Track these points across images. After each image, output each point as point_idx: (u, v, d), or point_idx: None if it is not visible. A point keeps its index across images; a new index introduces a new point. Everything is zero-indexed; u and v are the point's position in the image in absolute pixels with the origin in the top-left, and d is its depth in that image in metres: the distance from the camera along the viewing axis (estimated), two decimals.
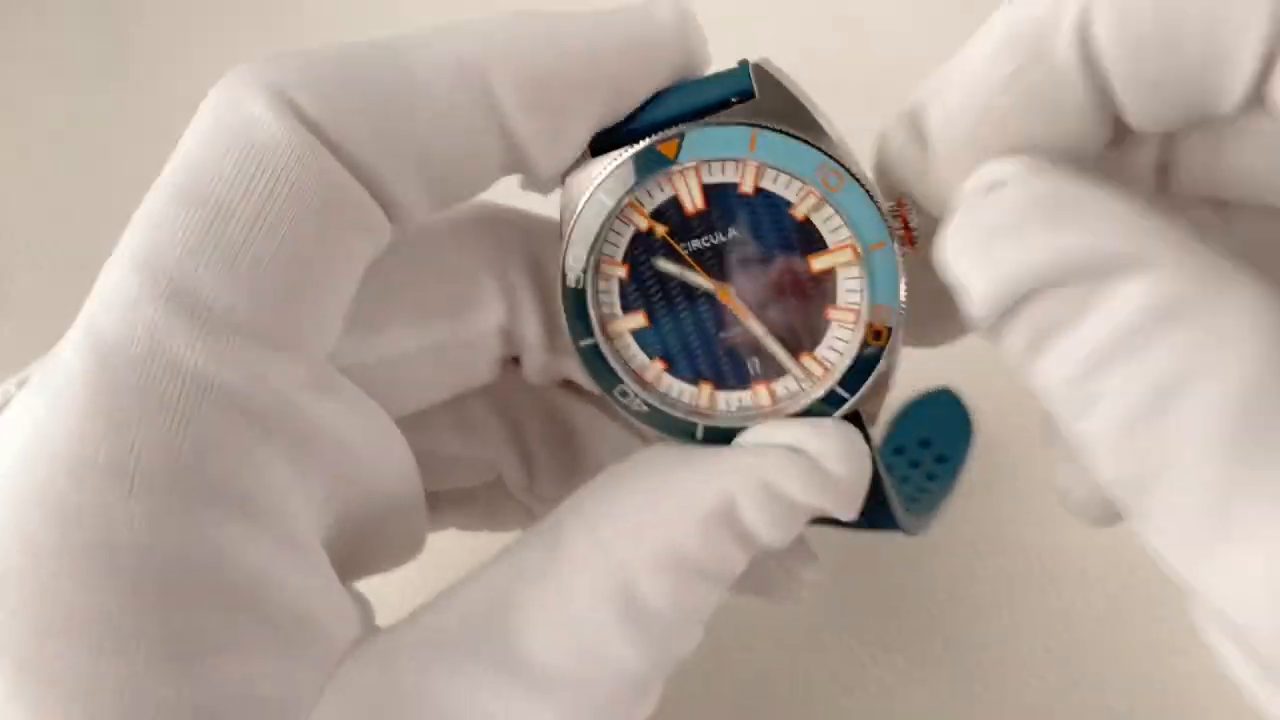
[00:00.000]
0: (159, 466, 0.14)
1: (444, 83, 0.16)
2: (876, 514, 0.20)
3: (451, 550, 0.23)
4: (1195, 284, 0.13)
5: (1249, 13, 0.14)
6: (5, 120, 0.40)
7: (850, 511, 0.17)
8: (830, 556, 0.29)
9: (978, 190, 0.16)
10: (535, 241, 0.20)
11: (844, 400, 0.18)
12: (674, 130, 0.17)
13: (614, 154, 0.17)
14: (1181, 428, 0.13)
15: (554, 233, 0.19)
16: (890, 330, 0.17)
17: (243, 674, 0.15)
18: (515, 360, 0.21)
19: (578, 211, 0.17)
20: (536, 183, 0.18)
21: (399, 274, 0.18)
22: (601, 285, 0.18)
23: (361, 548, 0.19)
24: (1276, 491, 0.13)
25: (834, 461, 0.17)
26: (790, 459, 0.17)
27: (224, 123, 0.16)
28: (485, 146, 0.17)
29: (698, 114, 0.17)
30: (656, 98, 0.17)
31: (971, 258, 0.15)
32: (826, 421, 0.18)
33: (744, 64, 0.17)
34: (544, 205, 0.20)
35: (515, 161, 0.17)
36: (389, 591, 0.20)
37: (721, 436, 0.18)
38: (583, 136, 0.17)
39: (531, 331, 0.20)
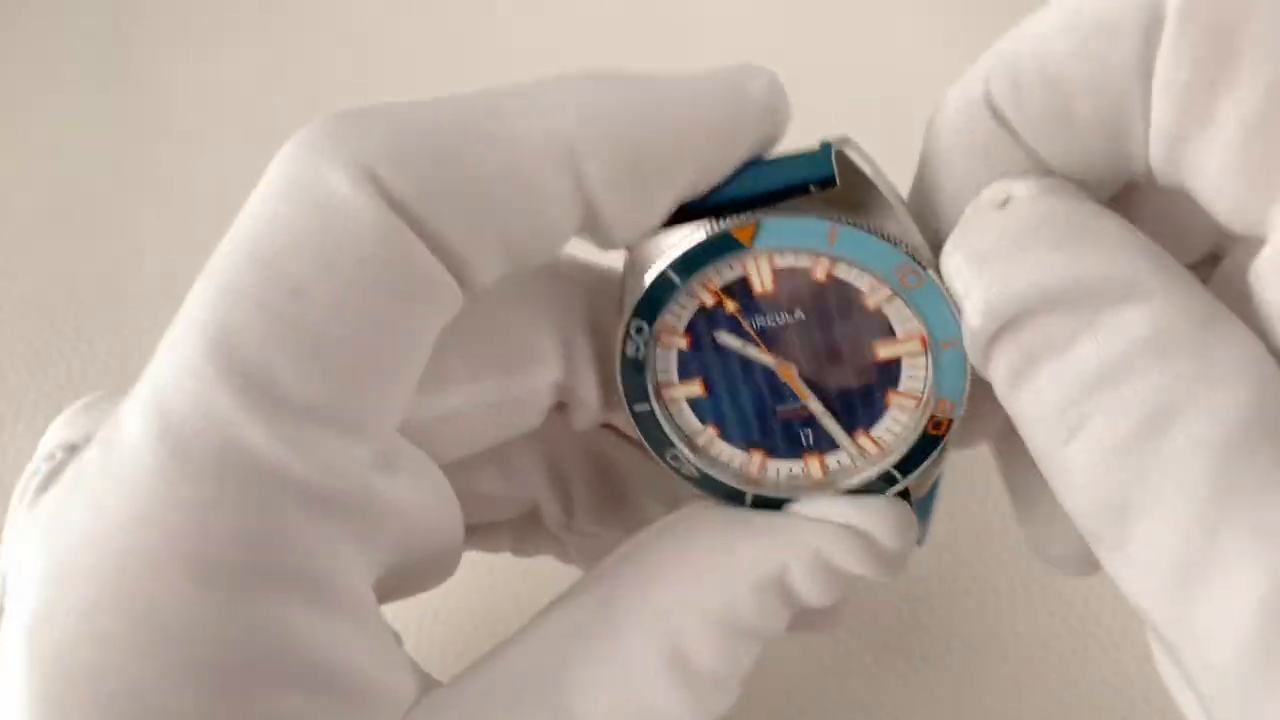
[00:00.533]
0: (232, 558, 0.14)
1: (535, 160, 0.15)
2: None
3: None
4: (1192, 319, 0.14)
5: (1125, 85, 0.14)
6: (10, 124, 0.40)
7: (893, 577, 0.18)
8: None
9: (989, 204, 0.16)
10: (595, 296, 0.20)
11: (896, 480, 0.18)
12: (751, 216, 0.16)
13: (687, 229, 0.17)
14: (1167, 460, 0.13)
15: (614, 286, 0.19)
16: (951, 422, 0.17)
17: None
18: (560, 405, 0.21)
19: (646, 285, 0.17)
20: (603, 243, 0.18)
21: (458, 330, 0.17)
22: (659, 352, 0.18)
23: (399, 587, 0.19)
24: (1255, 530, 0.13)
25: (888, 540, 0.18)
26: (846, 535, 0.17)
27: (304, 195, 0.15)
28: (567, 219, 0.16)
29: (775, 196, 0.17)
30: (734, 178, 0.17)
31: (976, 268, 0.15)
32: (879, 499, 0.18)
33: (826, 147, 0.16)
34: (604, 254, 0.20)
35: (592, 231, 0.17)
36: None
37: (769, 504, 0.18)
38: (665, 210, 0.17)
39: (587, 389, 0.19)
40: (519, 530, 0.24)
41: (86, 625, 0.14)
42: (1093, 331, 0.14)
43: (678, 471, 0.18)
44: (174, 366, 0.15)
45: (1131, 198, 0.17)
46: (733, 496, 0.18)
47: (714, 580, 0.17)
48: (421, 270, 0.15)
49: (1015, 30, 0.16)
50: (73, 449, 0.16)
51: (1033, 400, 0.15)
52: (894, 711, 0.27)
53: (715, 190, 0.17)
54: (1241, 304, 0.15)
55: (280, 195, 0.15)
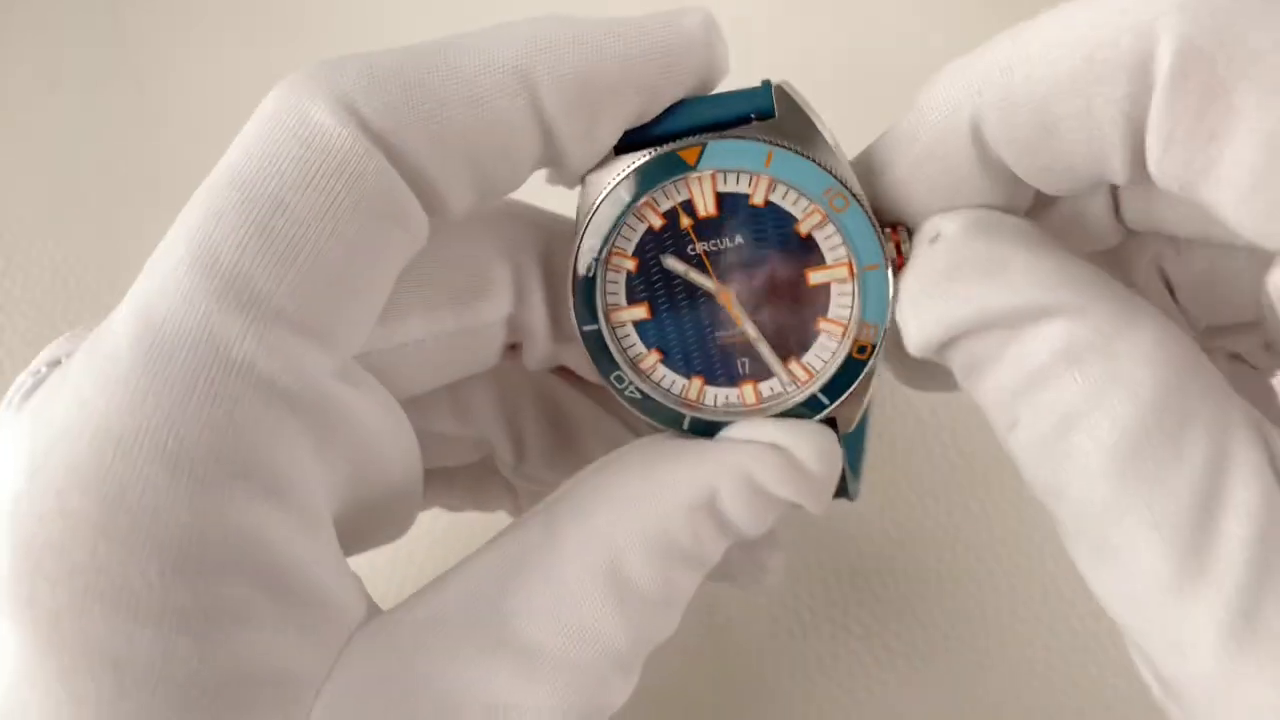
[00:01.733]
0: (202, 448, 0.15)
1: (494, 86, 0.17)
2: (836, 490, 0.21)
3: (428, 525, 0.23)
4: (1100, 330, 0.16)
5: (1107, 113, 0.15)
6: (10, 124, 0.40)
7: (820, 507, 0.19)
8: (833, 557, 0.29)
9: (921, 241, 0.18)
10: (547, 235, 0.21)
11: (824, 405, 0.19)
12: (697, 139, 0.18)
13: (637, 154, 0.18)
14: (1076, 455, 0.16)
15: (566, 229, 0.20)
16: (874, 346, 0.19)
17: (264, 648, 0.16)
18: (514, 346, 0.22)
19: (596, 203, 0.18)
20: (564, 178, 0.19)
21: (415, 262, 0.18)
22: (610, 276, 0.19)
23: (360, 529, 0.19)
24: (1150, 517, 0.15)
25: (811, 460, 0.19)
26: (771, 454, 0.19)
27: (287, 124, 0.16)
28: (527, 144, 0.17)
29: (719, 126, 0.18)
30: (680, 106, 0.18)
31: (909, 306, 0.18)
32: (805, 423, 0.19)
33: (767, 84, 0.18)
34: (557, 204, 0.21)
35: (550, 158, 0.18)
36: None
37: (706, 429, 0.20)
38: (613, 135, 0.18)
39: (538, 321, 0.20)
40: (474, 479, 0.25)
41: (58, 503, 0.15)
42: (1015, 346, 0.16)
43: (621, 393, 0.20)
44: (159, 275, 0.16)
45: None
46: (672, 420, 0.20)
47: (648, 503, 0.18)
48: (395, 195, 0.16)
49: (1008, 44, 0.16)
50: (57, 363, 0.17)
51: (981, 397, 0.17)
52: (894, 711, 0.27)
53: (662, 122, 0.18)
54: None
55: (263, 129, 0.16)
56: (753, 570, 0.23)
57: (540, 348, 0.21)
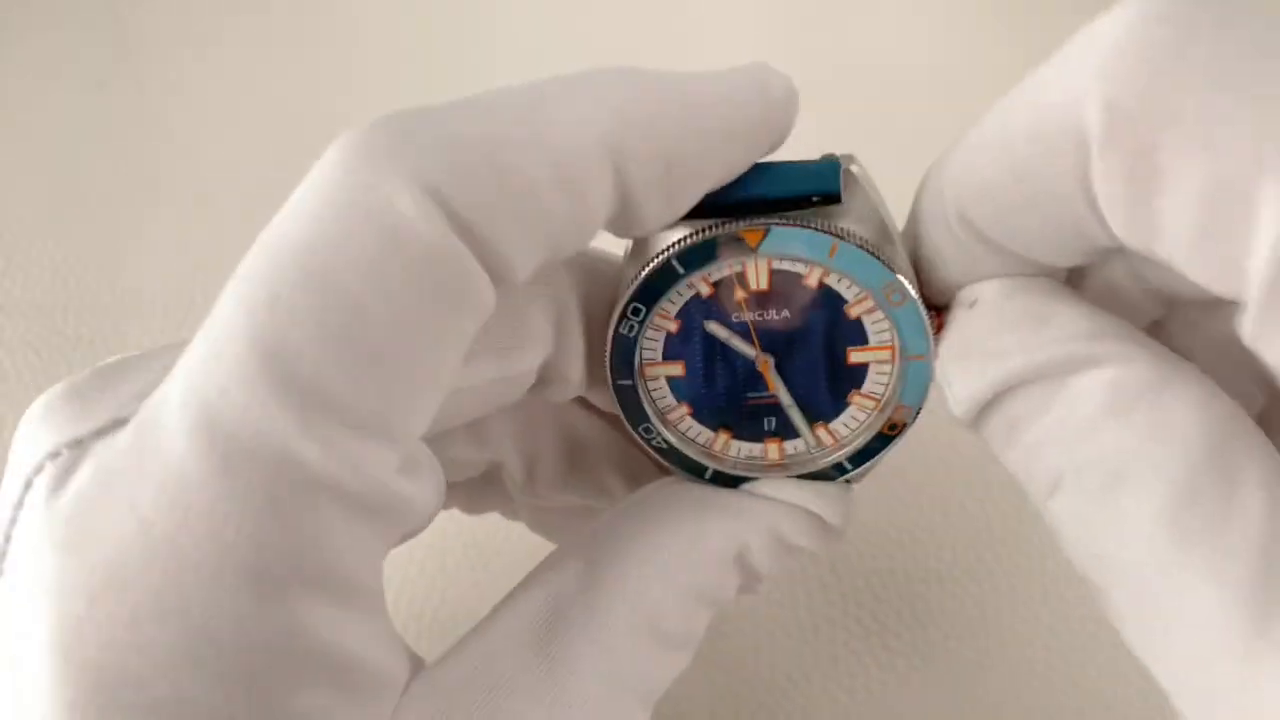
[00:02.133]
0: (281, 568, 0.14)
1: (583, 164, 0.16)
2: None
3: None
4: (1143, 380, 0.15)
5: (1065, 186, 0.15)
6: (10, 124, 0.40)
7: (830, 550, 0.20)
8: (832, 557, 0.29)
9: (959, 306, 0.18)
10: (588, 274, 0.20)
11: (845, 470, 0.20)
12: (762, 221, 0.17)
13: (696, 225, 0.17)
14: (1128, 512, 0.15)
15: (605, 265, 0.20)
16: (905, 425, 0.19)
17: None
18: (540, 379, 0.21)
19: (647, 270, 0.18)
20: (625, 235, 0.18)
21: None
22: (649, 334, 0.19)
23: None
24: (1212, 575, 0.14)
25: (835, 518, 0.20)
26: (800, 515, 0.19)
27: (364, 207, 0.15)
28: (604, 216, 0.17)
29: (782, 203, 0.17)
30: (745, 178, 0.18)
31: (954, 365, 0.18)
32: (827, 485, 0.20)
33: (833, 163, 0.18)
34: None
35: (622, 225, 0.17)
36: None
37: (726, 480, 0.20)
38: (690, 205, 0.17)
39: (573, 368, 0.20)
40: (474, 489, 0.25)
41: (130, 635, 0.14)
42: (1060, 397, 0.16)
43: (648, 442, 0.20)
44: (222, 376, 0.14)
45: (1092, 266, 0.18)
46: (695, 470, 0.20)
47: (684, 559, 0.19)
48: (475, 284, 0.15)
49: (959, 147, 0.17)
50: (79, 444, 0.16)
51: (1019, 461, 0.17)
52: (894, 711, 0.27)
53: (721, 190, 0.17)
54: (1208, 350, 0.16)
55: (336, 208, 0.15)
56: (754, 587, 0.23)
57: (570, 390, 0.21)
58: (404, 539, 0.18)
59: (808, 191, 0.17)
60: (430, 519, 0.18)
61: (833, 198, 0.17)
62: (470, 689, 0.17)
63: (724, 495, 0.20)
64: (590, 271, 0.20)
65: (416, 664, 0.18)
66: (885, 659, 0.28)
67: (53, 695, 0.14)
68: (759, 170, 0.18)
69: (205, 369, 0.15)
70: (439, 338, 0.15)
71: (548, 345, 0.19)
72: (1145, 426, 0.15)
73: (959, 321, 0.18)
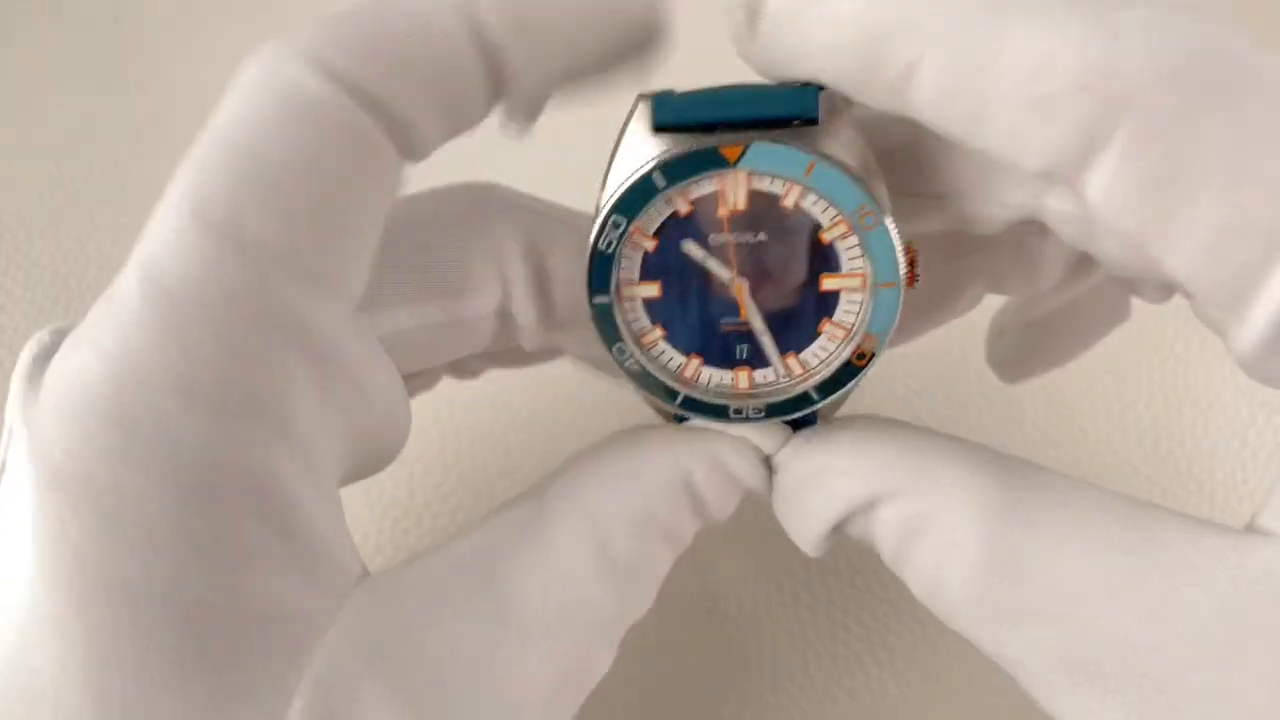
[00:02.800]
0: (214, 384, 0.16)
1: (439, 14, 0.18)
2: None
3: None
4: (919, 502, 0.18)
5: (1048, 142, 0.16)
6: (10, 124, 0.40)
7: (770, 495, 0.21)
8: (833, 557, 0.29)
9: (775, 475, 0.21)
10: (534, 223, 0.21)
11: (813, 401, 0.20)
12: (741, 136, 0.18)
13: (677, 139, 0.18)
14: (947, 608, 0.19)
15: (551, 214, 0.21)
16: (873, 355, 0.19)
17: (272, 587, 0.16)
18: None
19: (627, 184, 0.18)
20: (517, 114, 0.19)
21: (402, 253, 0.19)
22: (627, 252, 0.19)
23: (350, 473, 0.20)
24: (1018, 648, 0.18)
25: (771, 449, 0.21)
26: (741, 444, 0.21)
27: (260, 81, 0.18)
28: (476, 74, 0.18)
29: (762, 123, 0.18)
30: (722, 93, 0.18)
31: (785, 523, 0.21)
32: (770, 424, 0.21)
33: (814, 89, 0.18)
34: (544, 191, 0.22)
35: (499, 86, 0.19)
36: None
37: (697, 407, 0.20)
38: (560, 71, 0.19)
39: (526, 315, 0.21)
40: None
41: (82, 437, 0.16)
42: (876, 530, 0.19)
43: (621, 364, 0.20)
44: (160, 234, 0.17)
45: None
46: (666, 395, 0.20)
47: (632, 483, 0.20)
48: (367, 136, 0.17)
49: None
50: (61, 333, 0.18)
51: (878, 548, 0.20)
52: (894, 711, 0.27)
53: (703, 107, 0.18)
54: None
55: (241, 91, 0.18)
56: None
57: (531, 337, 0.22)
58: (360, 429, 0.19)
59: (786, 114, 0.18)
60: (394, 419, 0.20)
61: (811, 120, 0.18)
62: (414, 602, 0.18)
63: (668, 429, 0.21)
64: (539, 216, 0.21)
65: (365, 571, 0.19)
66: (885, 659, 0.28)
67: (30, 501, 0.16)
68: (738, 92, 0.18)
69: (151, 233, 0.17)
70: (343, 181, 0.17)
71: (496, 293, 0.21)
72: (934, 546, 0.18)
73: (774, 487, 0.21)
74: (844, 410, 0.22)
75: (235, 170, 0.17)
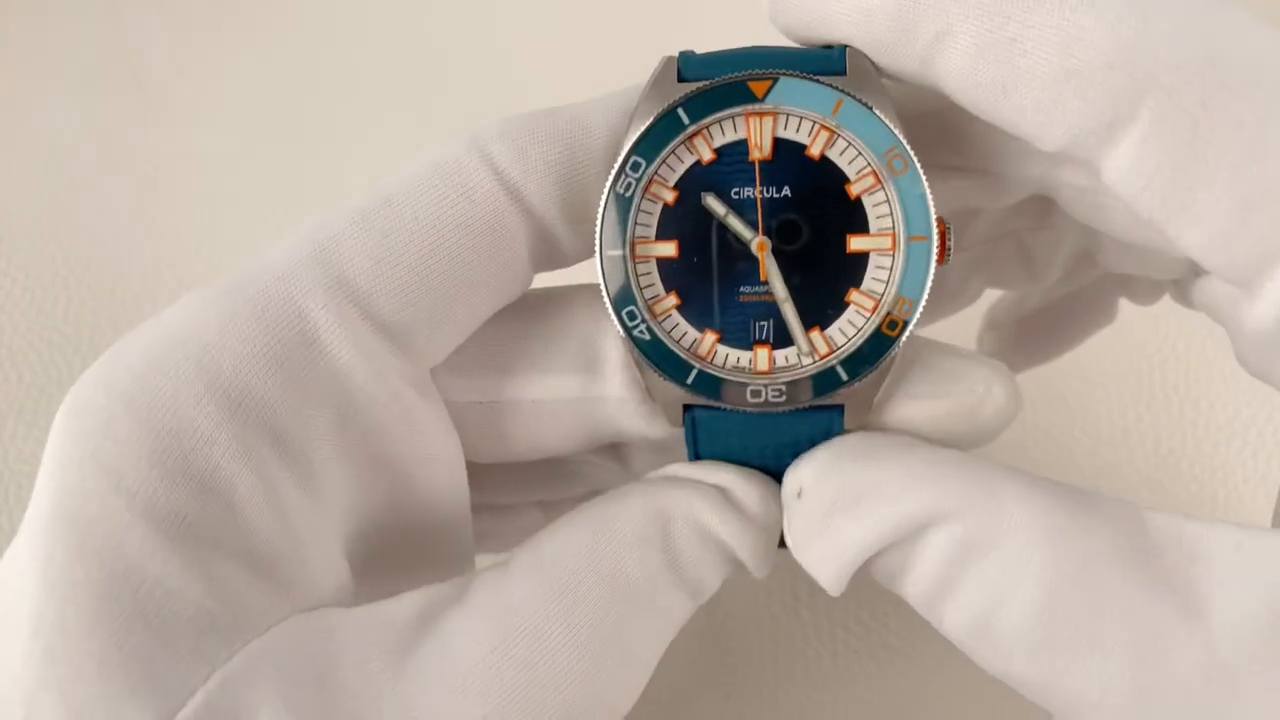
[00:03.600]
0: (242, 380, 0.17)
1: (602, 127, 0.18)
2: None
3: None
4: (979, 526, 0.16)
5: (1071, 118, 0.16)
6: (10, 124, 0.40)
7: (760, 560, 0.19)
8: None
9: (789, 499, 0.19)
10: None
11: (840, 381, 0.18)
12: (769, 72, 0.18)
13: (703, 82, 0.18)
14: (1001, 647, 0.17)
15: None
16: (906, 324, 0.18)
17: (222, 572, 0.16)
18: None
19: (654, 120, 0.18)
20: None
21: (545, 329, 0.20)
22: (646, 204, 0.18)
23: (403, 550, 0.20)
24: (1094, 687, 0.16)
25: (752, 502, 0.19)
26: (716, 496, 0.18)
27: (432, 160, 0.18)
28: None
29: (790, 69, 0.18)
30: (749, 51, 0.18)
31: (803, 553, 0.18)
32: (751, 470, 0.19)
33: (840, 48, 0.18)
34: None
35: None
36: None
37: (711, 385, 0.19)
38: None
39: (624, 409, 0.20)
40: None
41: (105, 397, 0.16)
42: (913, 561, 0.17)
43: (629, 332, 0.18)
44: (277, 254, 0.18)
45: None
46: (678, 369, 0.18)
47: (600, 534, 0.18)
48: (503, 224, 0.18)
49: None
50: None
51: (908, 599, 0.18)
52: (894, 710, 0.27)
53: (727, 64, 0.18)
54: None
55: (415, 165, 0.18)
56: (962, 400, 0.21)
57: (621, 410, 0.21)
58: (395, 482, 0.18)
59: (814, 68, 0.18)
60: (436, 476, 0.19)
61: (838, 72, 0.18)
62: (362, 637, 0.17)
63: (638, 484, 0.19)
64: None
65: (346, 599, 0.18)
66: (885, 658, 0.28)
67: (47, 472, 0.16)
68: (765, 51, 0.18)
69: (265, 252, 0.18)
70: (464, 262, 0.18)
71: (621, 380, 0.20)
72: (994, 572, 0.16)
73: (793, 514, 0.18)
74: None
75: (362, 208, 0.18)
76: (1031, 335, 0.26)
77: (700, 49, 0.19)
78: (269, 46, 0.42)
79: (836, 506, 0.18)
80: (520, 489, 0.24)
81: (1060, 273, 0.24)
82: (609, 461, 0.24)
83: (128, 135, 0.39)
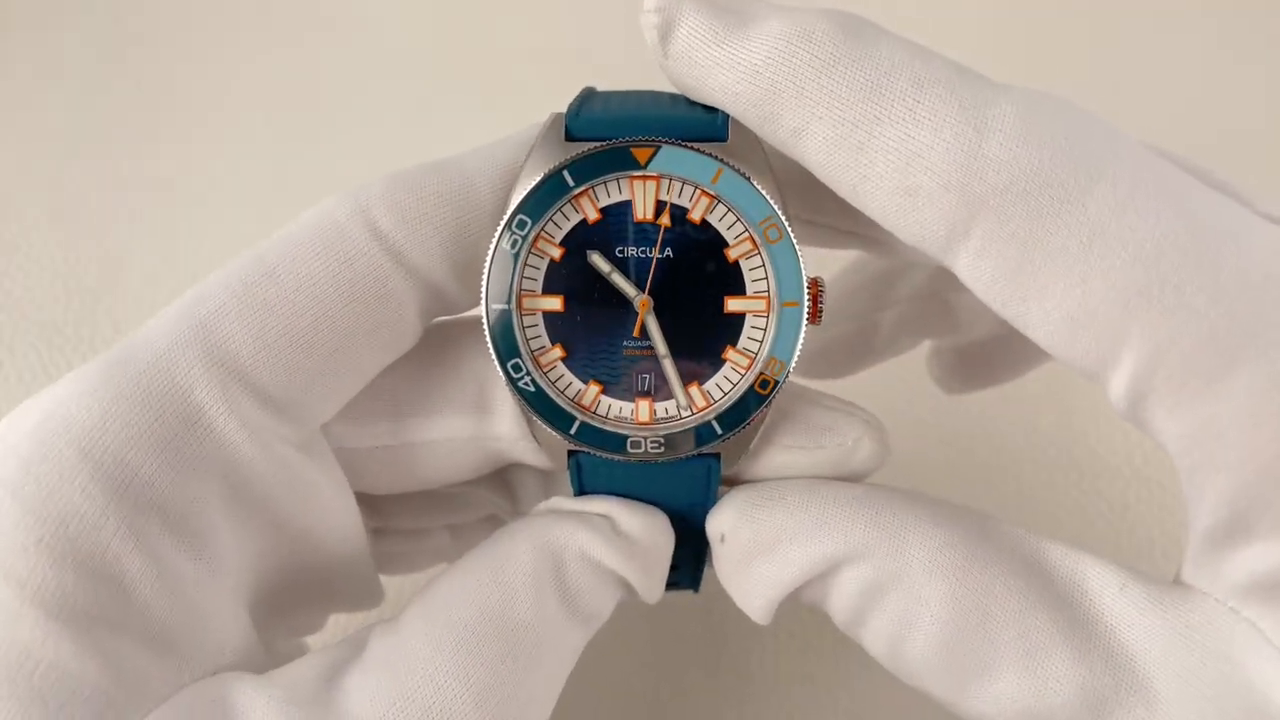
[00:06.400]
0: (124, 457, 0.17)
1: (488, 187, 0.19)
2: (686, 575, 0.22)
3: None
4: (884, 562, 0.18)
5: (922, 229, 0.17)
6: (11, 124, 0.40)
7: (649, 586, 0.19)
8: None
9: (714, 541, 0.20)
10: None
11: (715, 435, 0.19)
12: (652, 140, 0.18)
13: (588, 144, 0.18)
14: (913, 666, 0.18)
15: None
16: (777, 383, 0.19)
17: (117, 650, 0.16)
18: None
19: (540, 181, 0.18)
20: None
21: (432, 372, 0.20)
22: (532, 259, 0.19)
23: (308, 588, 0.20)
24: (980, 701, 0.18)
25: (636, 529, 0.19)
26: (598, 520, 0.19)
27: (312, 224, 0.18)
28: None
29: (672, 135, 0.18)
30: (635, 106, 0.19)
31: (734, 590, 0.20)
32: (635, 502, 0.20)
33: (720, 114, 0.18)
34: None
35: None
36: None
37: (594, 436, 0.19)
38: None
39: (515, 445, 0.20)
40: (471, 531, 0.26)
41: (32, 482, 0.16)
42: (831, 594, 0.19)
43: (515, 383, 0.19)
44: (155, 327, 0.18)
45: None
46: (562, 421, 0.19)
47: (489, 575, 0.18)
48: (391, 298, 0.18)
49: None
50: None
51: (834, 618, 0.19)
52: (894, 710, 0.27)
53: (616, 125, 0.18)
54: None
55: (294, 228, 0.18)
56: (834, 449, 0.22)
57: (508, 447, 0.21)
58: (294, 537, 0.19)
59: (696, 134, 0.18)
60: (331, 528, 0.19)
61: (719, 139, 0.18)
62: (265, 706, 0.17)
63: (522, 521, 0.20)
64: None
65: (253, 665, 0.18)
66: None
67: None
68: (651, 108, 0.19)
69: (147, 325, 0.18)
70: (351, 338, 0.18)
71: (512, 418, 0.20)
72: (899, 605, 0.18)
73: (719, 558, 0.20)
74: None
75: (243, 278, 0.18)
76: (977, 363, 0.26)
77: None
78: (269, 47, 0.42)
79: (754, 551, 0.19)
80: (425, 514, 0.24)
81: (990, 325, 0.25)
82: (497, 494, 0.24)
83: (127, 135, 0.39)
